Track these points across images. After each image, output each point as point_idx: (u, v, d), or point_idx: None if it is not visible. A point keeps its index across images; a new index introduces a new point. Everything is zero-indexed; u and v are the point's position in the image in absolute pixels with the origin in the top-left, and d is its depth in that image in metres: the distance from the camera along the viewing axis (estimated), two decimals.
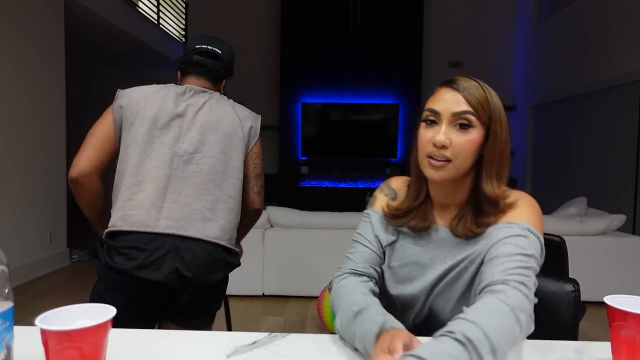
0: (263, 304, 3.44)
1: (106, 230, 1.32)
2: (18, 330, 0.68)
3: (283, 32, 7.21)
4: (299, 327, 2.99)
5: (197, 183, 1.34)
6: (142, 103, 1.37)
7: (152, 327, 1.36)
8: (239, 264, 1.45)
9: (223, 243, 1.35)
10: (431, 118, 0.90)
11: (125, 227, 1.27)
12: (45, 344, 0.57)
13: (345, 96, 7.14)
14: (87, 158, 1.34)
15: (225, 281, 1.44)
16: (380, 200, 1.04)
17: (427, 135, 0.89)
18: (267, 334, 0.85)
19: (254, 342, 0.82)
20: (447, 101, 0.88)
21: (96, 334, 0.57)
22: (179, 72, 1.51)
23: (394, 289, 0.99)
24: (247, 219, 1.52)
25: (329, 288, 1.00)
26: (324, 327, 2.94)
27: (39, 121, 4.02)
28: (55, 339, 0.55)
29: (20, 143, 3.79)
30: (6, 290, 0.60)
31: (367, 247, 1.01)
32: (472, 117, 0.87)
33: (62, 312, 0.62)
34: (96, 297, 1.28)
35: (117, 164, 1.37)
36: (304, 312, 3.26)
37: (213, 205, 1.35)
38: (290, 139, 7.23)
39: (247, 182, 1.48)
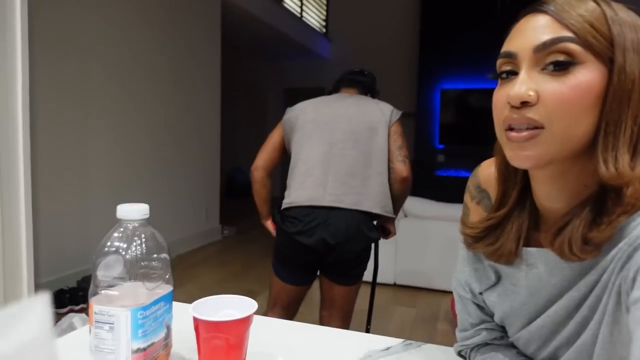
0: (394, 293, 3.42)
1: (284, 206, 1.69)
2: (176, 306, 0.76)
3: (423, 14, 6.96)
4: (431, 321, 2.92)
5: (351, 164, 1.65)
6: (302, 112, 1.75)
7: (311, 278, 1.77)
8: (377, 238, 1.73)
9: (375, 211, 1.64)
10: (506, 68, 0.54)
11: (300, 203, 1.64)
12: (196, 329, 0.62)
13: (488, 80, 6.63)
14: (261, 158, 1.79)
15: (365, 251, 1.70)
16: (474, 212, 0.69)
17: (501, 94, 0.54)
18: (401, 341, 0.82)
19: (387, 349, 0.80)
20: (527, 32, 0.52)
21: (240, 326, 0.61)
22: (334, 91, 1.89)
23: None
24: (397, 187, 1.73)
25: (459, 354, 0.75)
26: (456, 323, 2.81)
27: (197, 112, 4.52)
28: (204, 327, 0.60)
29: (181, 134, 4.31)
30: (167, 276, 0.67)
31: (471, 302, 0.70)
32: (573, 47, 0.49)
33: (213, 300, 0.67)
34: (274, 248, 1.75)
35: (291, 158, 1.75)
36: (436, 306, 3.17)
37: (364, 182, 1.64)
38: (427, 126, 7.00)
39: (391, 154, 1.71)
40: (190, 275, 3.69)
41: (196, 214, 4.59)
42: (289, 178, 1.73)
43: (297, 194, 1.66)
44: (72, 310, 2.84)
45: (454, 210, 3.38)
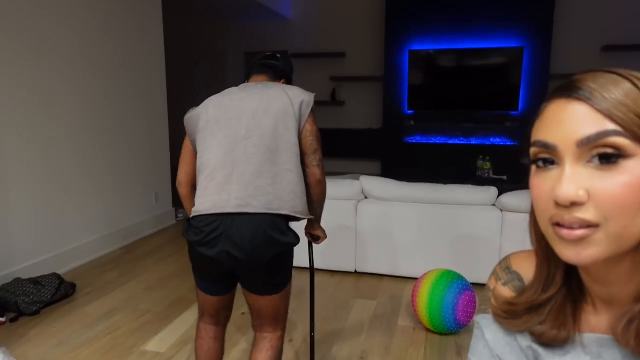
0: (355, 282, 3.19)
1: (192, 215, 1.54)
2: None
3: None
4: (391, 316, 2.70)
5: (257, 163, 1.49)
6: (205, 109, 1.58)
7: (231, 286, 1.64)
8: (293, 243, 1.52)
9: (284, 212, 1.48)
10: (543, 156, 0.50)
11: (203, 211, 1.48)
12: None
13: (459, 40, 6.28)
14: (182, 172, 1.67)
15: (280, 258, 1.52)
16: (499, 295, 0.63)
17: (543, 188, 0.50)
18: None
19: None
20: (566, 122, 0.48)
21: None
22: (246, 79, 1.73)
23: None
24: (314, 191, 1.63)
25: None
26: (417, 320, 2.61)
27: (139, 86, 4.07)
28: None
29: (121, 112, 3.87)
30: None
31: None
32: (622, 141, 0.45)
33: None
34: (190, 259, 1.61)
35: (197, 161, 1.58)
36: (399, 297, 2.95)
37: (272, 181, 1.49)
38: (395, 91, 6.66)
39: (306, 157, 1.60)
40: (135, 271, 3.37)
41: (145, 198, 4.22)
42: (197, 181, 1.59)
43: (201, 201, 1.52)
44: None
45: (418, 190, 3.12)
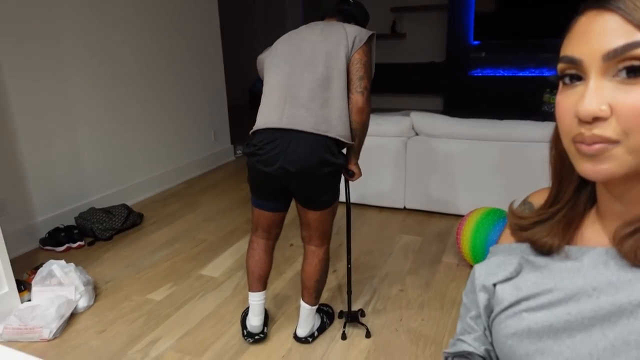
0: (403, 218, 3.21)
1: (251, 132, 1.72)
2: None
3: None
4: (436, 254, 2.71)
5: (309, 88, 1.63)
6: (275, 45, 1.79)
7: (284, 204, 1.82)
8: (342, 164, 1.69)
9: (332, 135, 1.62)
10: (570, 72, 0.49)
11: (260, 126, 1.67)
12: None
13: None
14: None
15: (330, 176, 1.68)
16: (511, 211, 0.66)
17: (567, 104, 0.49)
18: None
19: None
20: (594, 35, 0.46)
21: None
22: (320, 19, 1.89)
23: (504, 342, 0.58)
24: (354, 118, 1.70)
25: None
26: (461, 258, 2.60)
27: (194, 28, 4.12)
28: None
29: (180, 54, 3.97)
30: None
31: (471, 324, 0.66)
32: None
33: None
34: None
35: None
36: (446, 234, 2.93)
37: (323, 105, 1.63)
38: (460, 19, 6.20)
39: (351, 84, 1.68)
40: (194, 204, 3.61)
41: (204, 136, 4.41)
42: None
43: (258, 118, 1.70)
44: (69, 248, 2.85)
45: (470, 127, 2.99)
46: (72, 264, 2.28)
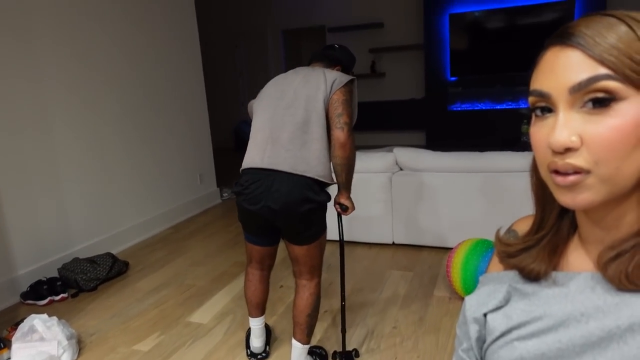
0: (392, 253, 3.20)
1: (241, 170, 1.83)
2: None
3: None
4: (427, 286, 2.69)
5: (290, 130, 1.72)
6: (266, 87, 1.89)
7: (274, 239, 1.91)
8: (322, 201, 1.74)
9: (310, 175, 1.69)
10: (540, 105, 0.52)
11: (244, 166, 1.79)
12: None
13: None
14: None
15: (313, 213, 1.74)
16: (498, 240, 0.68)
17: (540, 136, 0.52)
18: None
19: None
20: (559, 69, 0.49)
21: None
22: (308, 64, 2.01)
23: None
24: (338, 153, 1.75)
25: None
26: (453, 291, 2.58)
27: (181, 74, 4.20)
28: None
29: (164, 100, 4.02)
30: None
31: (464, 357, 0.66)
32: (613, 85, 0.46)
33: None
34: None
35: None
36: (436, 267, 2.92)
37: (302, 147, 1.71)
38: (437, 57, 6.43)
39: (332, 122, 1.75)
40: (181, 248, 3.56)
41: (189, 180, 4.40)
42: None
43: (245, 157, 1.82)
44: (52, 301, 2.77)
45: (452, 160, 3.04)
46: (54, 318, 2.21)
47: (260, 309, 2.03)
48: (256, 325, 2.05)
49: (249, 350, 2.11)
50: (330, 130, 1.75)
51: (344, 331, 2.01)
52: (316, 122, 1.73)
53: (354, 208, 1.88)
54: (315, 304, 1.86)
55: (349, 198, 1.85)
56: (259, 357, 2.09)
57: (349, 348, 2.09)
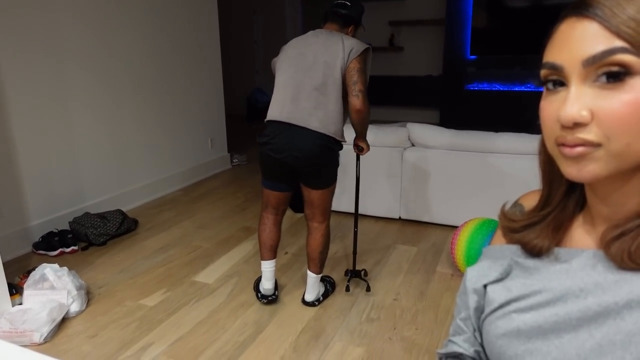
0: (398, 228, 3.21)
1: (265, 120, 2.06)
2: None
3: None
4: (431, 262, 2.71)
5: (307, 90, 1.96)
6: (286, 48, 2.09)
7: (291, 185, 2.15)
8: (335, 150, 2.04)
9: (322, 131, 1.94)
10: (552, 78, 0.50)
11: (268, 118, 2.03)
12: None
13: None
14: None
15: (328, 161, 2.03)
16: (502, 214, 0.68)
17: (550, 110, 0.50)
18: None
19: None
20: (573, 41, 0.47)
21: None
22: (322, 24, 2.16)
23: (493, 343, 0.59)
24: (353, 117, 2.02)
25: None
26: (456, 268, 2.60)
27: (197, 39, 4.16)
28: None
29: (180, 63, 4.00)
30: None
31: (461, 325, 0.67)
32: (628, 58, 0.44)
33: None
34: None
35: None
36: (440, 245, 2.94)
37: (317, 106, 1.95)
38: (457, 34, 6.28)
39: (348, 89, 1.97)
40: (189, 211, 3.60)
41: (200, 144, 4.42)
42: None
43: (269, 110, 2.04)
44: (63, 253, 2.84)
45: (466, 139, 3.01)
46: (65, 268, 2.27)
47: (273, 251, 2.24)
48: (268, 267, 2.24)
49: (259, 294, 2.30)
50: (348, 95, 1.98)
51: (355, 252, 2.45)
52: (332, 86, 1.96)
53: (369, 148, 2.20)
54: (326, 242, 2.19)
55: (365, 140, 2.18)
56: (269, 298, 2.27)
57: (358, 268, 2.53)
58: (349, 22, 2.13)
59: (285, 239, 3.05)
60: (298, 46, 2.03)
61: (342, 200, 3.41)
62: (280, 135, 1.96)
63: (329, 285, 2.38)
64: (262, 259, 2.25)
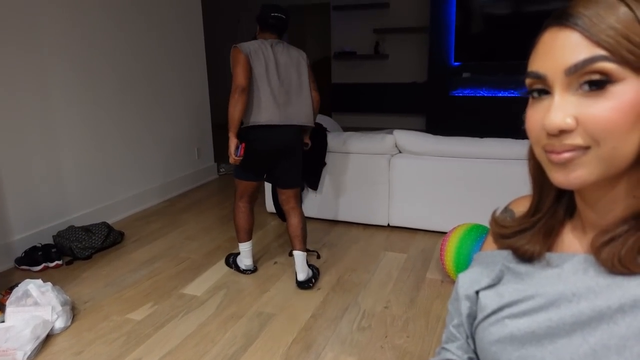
0: (387, 235, 3.21)
1: (250, 124, 2.35)
2: None
3: None
4: (420, 269, 2.71)
5: (292, 94, 2.40)
6: (255, 53, 2.34)
7: (262, 178, 2.57)
8: (304, 144, 2.61)
9: (308, 124, 2.46)
10: (536, 87, 0.51)
11: (262, 122, 2.34)
12: None
13: None
14: (244, 78, 2.29)
15: (298, 154, 2.52)
16: (493, 220, 0.68)
17: (536, 118, 0.51)
18: None
19: None
20: (556, 51, 0.49)
21: None
22: (258, 27, 2.48)
23: (487, 347, 0.59)
24: (315, 106, 2.52)
25: None
26: (445, 274, 2.60)
27: (182, 48, 4.14)
28: None
29: (165, 72, 3.97)
30: None
31: (454, 332, 0.67)
32: (609, 66, 0.45)
33: None
34: (241, 160, 2.41)
35: (252, 89, 2.33)
36: (430, 251, 2.94)
37: (300, 106, 2.42)
38: (441, 41, 6.35)
39: (311, 85, 2.50)
40: (176, 222, 3.56)
41: (187, 154, 4.38)
42: (250, 105, 2.34)
43: (257, 118, 2.33)
44: (46, 268, 2.78)
45: (452, 145, 3.03)
46: (49, 284, 2.22)
47: (249, 234, 2.62)
48: (246, 248, 2.63)
49: (241, 268, 2.68)
50: (310, 90, 2.50)
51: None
52: (305, 87, 2.45)
53: (310, 143, 2.65)
54: (304, 220, 2.57)
55: (309, 137, 2.64)
56: (252, 270, 2.68)
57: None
58: (284, 32, 2.50)
59: (273, 249, 3.03)
60: (269, 58, 2.35)
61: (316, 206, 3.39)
62: (266, 133, 2.37)
63: (314, 269, 2.62)
64: (241, 241, 2.61)
